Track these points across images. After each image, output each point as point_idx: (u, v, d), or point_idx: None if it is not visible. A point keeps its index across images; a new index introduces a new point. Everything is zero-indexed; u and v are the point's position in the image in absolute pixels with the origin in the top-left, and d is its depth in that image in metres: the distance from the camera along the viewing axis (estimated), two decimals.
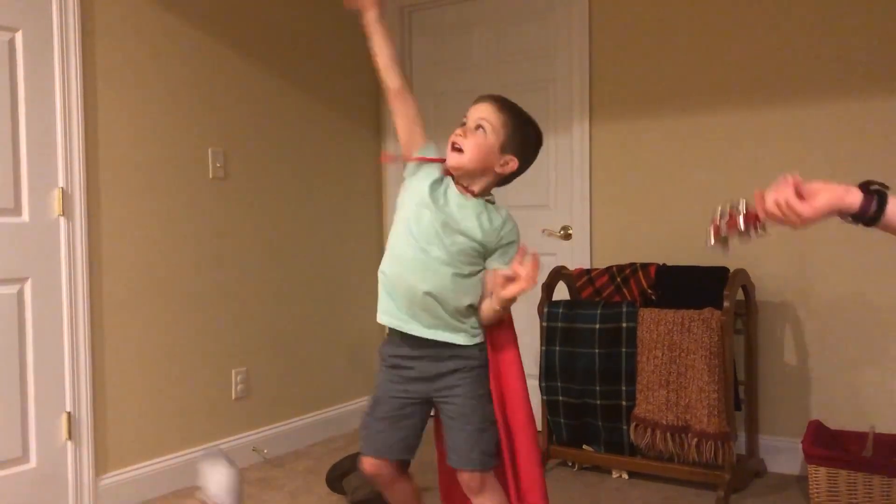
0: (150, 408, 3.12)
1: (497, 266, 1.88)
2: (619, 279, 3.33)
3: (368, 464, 2.04)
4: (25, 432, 2.75)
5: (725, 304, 2.93)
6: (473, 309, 1.93)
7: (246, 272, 3.51)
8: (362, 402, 4.15)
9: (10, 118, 2.69)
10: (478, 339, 1.95)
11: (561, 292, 3.40)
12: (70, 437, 2.85)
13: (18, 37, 2.70)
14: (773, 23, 3.22)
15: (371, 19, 1.98)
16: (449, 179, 1.94)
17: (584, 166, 3.68)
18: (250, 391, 3.54)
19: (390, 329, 2.01)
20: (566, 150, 3.75)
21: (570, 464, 3.35)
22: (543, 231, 3.82)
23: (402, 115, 2.00)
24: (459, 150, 1.87)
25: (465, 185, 1.92)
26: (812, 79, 3.15)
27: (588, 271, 3.44)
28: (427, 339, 1.92)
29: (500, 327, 1.98)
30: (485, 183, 1.93)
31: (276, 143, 3.66)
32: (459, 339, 1.92)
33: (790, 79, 3.19)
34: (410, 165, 2.00)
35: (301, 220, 3.80)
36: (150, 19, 3.11)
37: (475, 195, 1.93)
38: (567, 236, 3.77)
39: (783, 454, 3.22)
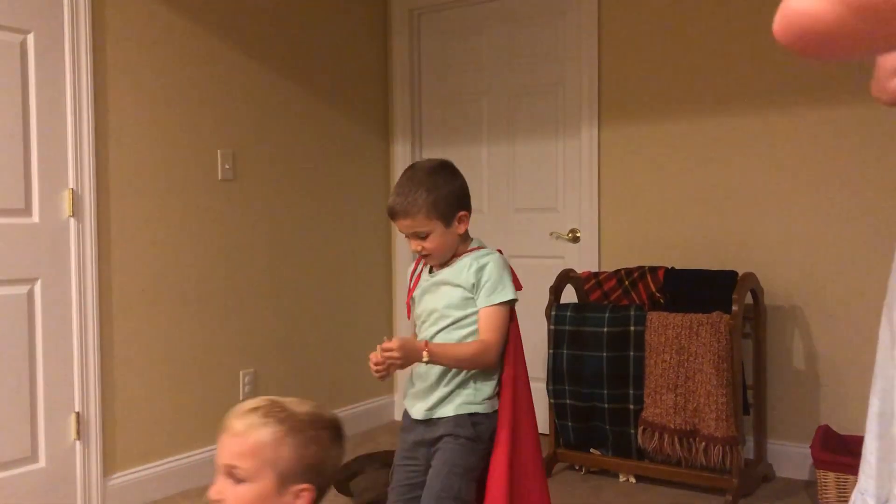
0: (159, 408, 3.13)
1: (481, 304, 1.91)
2: (627, 282, 3.32)
3: None
4: (34, 432, 2.76)
5: (734, 307, 2.92)
6: (471, 375, 1.92)
7: (254, 273, 3.52)
8: (370, 404, 4.15)
9: (22, 119, 2.71)
10: (471, 410, 1.91)
11: (569, 295, 3.40)
12: (79, 437, 2.86)
13: (30, 39, 2.72)
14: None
15: None
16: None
17: (592, 169, 3.68)
18: (258, 393, 3.55)
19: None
20: (574, 153, 3.75)
21: (577, 467, 3.34)
22: (551, 234, 3.81)
23: None
24: (429, 256, 1.94)
25: (448, 262, 1.98)
26: (823, 83, 3.14)
27: (596, 274, 3.43)
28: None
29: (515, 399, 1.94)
30: (462, 246, 1.98)
31: (284, 146, 3.67)
32: (448, 409, 1.93)
33: (800, 82, 3.18)
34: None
35: (309, 221, 3.81)
36: (160, 22, 3.12)
37: (458, 257, 1.98)
38: (575, 239, 3.76)
39: (792, 459, 3.20)
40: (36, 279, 2.75)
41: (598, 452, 3.25)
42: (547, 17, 3.84)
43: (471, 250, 1.97)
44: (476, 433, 1.89)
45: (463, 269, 1.93)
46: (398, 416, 4.29)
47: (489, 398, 1.93)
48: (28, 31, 2.71)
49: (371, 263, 4.17)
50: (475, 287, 1.90)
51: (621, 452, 3.18)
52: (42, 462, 2.78)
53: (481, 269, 1.90)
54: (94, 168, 2.88)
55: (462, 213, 1.92)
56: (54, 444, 2.80)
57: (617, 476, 3.24)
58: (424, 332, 1.98)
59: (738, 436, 2.91)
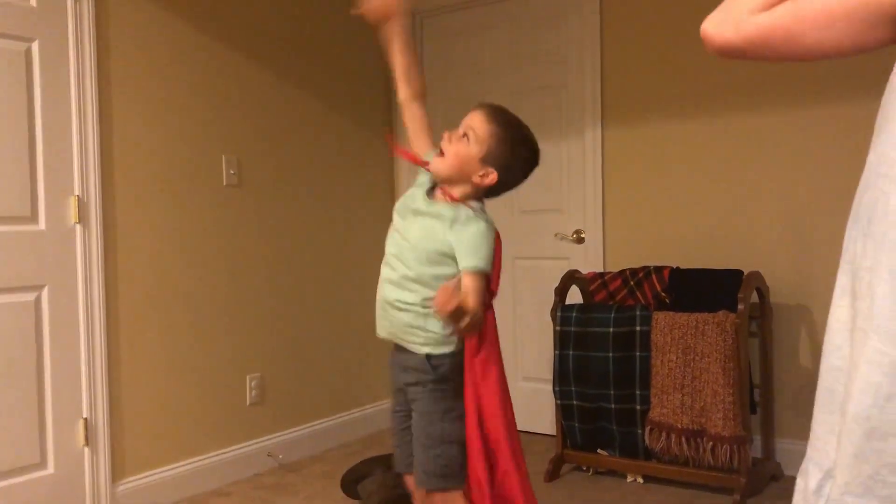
0: (166, 413, 3.14)
1: (464, 263, 1.84)
2: (632, 282, 3.32)
3: (407, 481, 2.06)
4: (43, 438, 2.77)
5: (739, 306, 2.92)
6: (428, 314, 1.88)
7: (259, 278, 3.53)
8: (377, 407, 4.15)
9: (27, 127, 2.72)
10: (435, 350, 1.90)
11: (574, 296, 3.40)
12: (87, 443, 2.87)
13: (35, 47, 2.73)
14: None
15: (391, 31, 1.96)
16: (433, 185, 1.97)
17: (596, 170, 3.68)
18: (265, 396, 3.56)
19: None
20: (578, 154, 3.75)
21: (584, 468, 3.34)
22: (556, 235, 3.81)
23: (409, 125, 2.05)
24: (441, 155, 1.88)
25: (446, 189, 1.92)
26: (826, 81, 3.14)
27: (601, 275, 3.43)
28: (396, 345, 1.98)
29: (479, 341, 1.90)
30: (463, 190, 1.90)
31: (289, 150, 3.68)
32: (413, 345, 1.91)
33: (803, 81, 3.18)
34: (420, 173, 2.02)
35: (314, 225, 3.81)
36: (164, 28, 3.13)
37: (454, 200, 1.91)
38: (580, 240, 3.76)
39: (800, 457, 3.18)
40: (43, 286, 2.76)
41: (605, 453, 3.25)
42: (549, 20, 3.84)
43: (470, 206, 1.90)
44: (439, 374, 1.89)
45: (447, 215, 1.87)
46: None
47: (448, 336, 1.89)
48: (33, 40, 2.73)
49: (376, 267, 4.16)
50: (457, 239, 1.84)
51: (629, 453, 3.18)
52: (51, 468, 2.79)
53: (463, 226, 1.85)
54: (99, 174, 2.89)
55: (494, 172, 1.86)
56: (63, 450, 2.81)
57: (624, 476, 3.24)
58: (389, 268, 1.97)
59: (746, 435, 2.90)
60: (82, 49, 2.84)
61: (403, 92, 2.02)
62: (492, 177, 1.87)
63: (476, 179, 1.87)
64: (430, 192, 1.96)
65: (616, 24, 3.59)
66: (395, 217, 2.00)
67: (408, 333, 1.92)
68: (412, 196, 1.98)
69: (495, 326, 1.95)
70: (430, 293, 1.81)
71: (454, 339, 1.89)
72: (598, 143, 3.67)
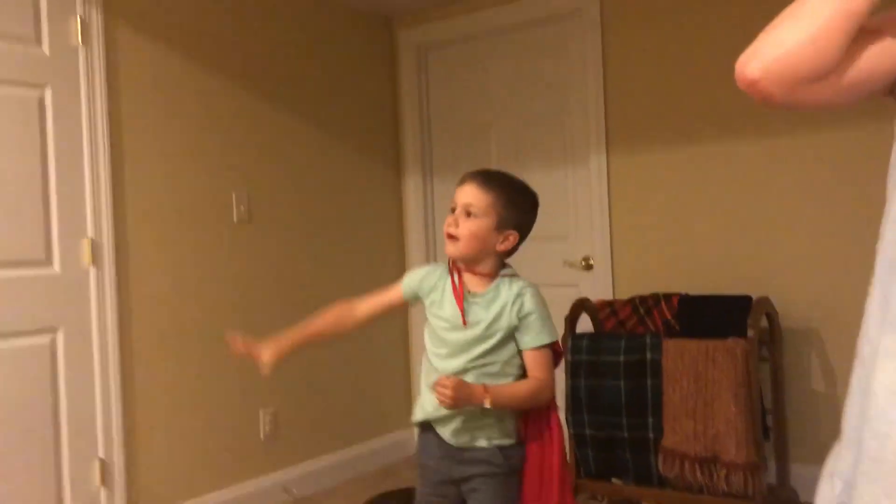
0: (181, 451, 3.16)
1: (527, 342, 1.83)
2: (642, 310, 3.33)
3: None
4: (59, 479, 2.80)
5: (749, 332, 2.92)
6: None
7: (271, 312, 3.56)
8: (390, 439, 4.16)
9: (41, 171, 2.77)
10: (503, 442, 1.87)
11: (584, 324, 3.41)
12: (103, 482, 2.89)
13: (47, 93, 2.79)
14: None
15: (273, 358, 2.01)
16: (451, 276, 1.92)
17: (602, 196, 3.70)
18: (278, 430, 3.57)
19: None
20: (584, 181, 3.78)
21: (599, 497, 3.33)
22: (564, 262, 3.83)
23: (371, 311, 2.19)
24: (455, 239, 1.85)
25: (473, 269, 1.89)
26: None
27: (611, 303, 3.44)
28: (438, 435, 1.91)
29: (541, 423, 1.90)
30: (489, 263, 1.88)
31: (298, 185, 3.72)
32: (481, 439, 1.87)
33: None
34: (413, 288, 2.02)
35: (324, 258, 3.85)
36: (173, 69, 3.19)
37: (488, 276, 1.89)
38: (588, 267, 3.78)
39: (815, 482, 3.17)
40: (57, 329, 2.80)
41: (619, 482, 3.24)
42: (551, 49, 3.89)
43: (505, 275, 1.89)
44: (510, 467, 1.87)
45: (498, 305, 1.85)
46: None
47: (516, 428, 1.90)
48: (45, 86, 2.79)
49: None
50: (521, 321, 1.83)
51: (643, 481, 3.17)
52: None
53: (520, 297, 1.83)
54: (111, 216, 2.93)
55: (513, 233, 1.86)
56: (79, 490, 2.83)
57: None
58: (445, 363, 1.87)
59: (760, 461, 2.89)
60: (93, 94, 2.89)
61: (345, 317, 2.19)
62: (512, 238, 1.87)
63: (500, 248, 1.87)
64: (454, 280, 1.91)
65: (618, 51, 3.63)
66: (437, 323, 1.92)
67: (478, 428, 1.87)
68: (442, 300, 1.92)
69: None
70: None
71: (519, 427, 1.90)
72: (604, 169, 3.69)
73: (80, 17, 2.87)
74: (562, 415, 3.21)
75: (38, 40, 2.78)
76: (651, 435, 3.09)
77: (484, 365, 1.84)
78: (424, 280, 1.97)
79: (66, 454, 2.81)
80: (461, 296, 1.88)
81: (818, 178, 3.19)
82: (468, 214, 1.83)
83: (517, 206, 1.87)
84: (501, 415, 1.86)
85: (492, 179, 1.87)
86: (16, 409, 2.68)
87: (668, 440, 3.04)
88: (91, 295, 2.88)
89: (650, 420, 3.09)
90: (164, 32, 3.16)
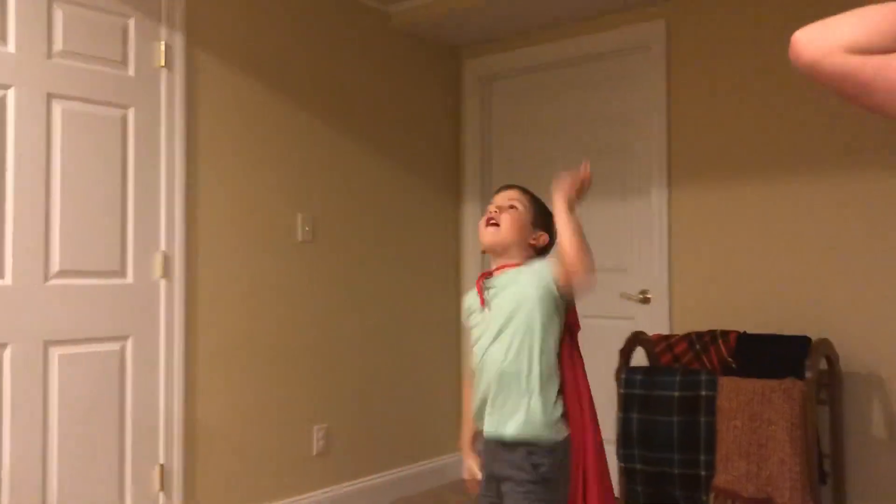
0: (237, 461, 3.25)
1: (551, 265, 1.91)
2: (698, 346, 3.31)
3: None
4: (122, 482, 2.90)
5: (807, 374, 2.88)
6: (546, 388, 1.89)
7: (330, 331, 3.65)
8: (437, 463, 4.19)
9: (120, 187, 2.92)
10: (552, 436, 1.87)
11: (639, 357, 3.40)
12: (162, 488, 2.99)
13: (130, 113, 2.94)
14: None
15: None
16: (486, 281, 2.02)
17: (662, 231, 3.70)
18: (330, 447, 3.64)
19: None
20: (645, 214, 3.78)
21: None
22: (622, 294, 3.83)
23: None
24: (496, 225, 1.97)
25: (505, 262, 1.99)
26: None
27: (667, 337, 3.43)
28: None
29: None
30: (521, 256, 1.99)
31: (361, 209, 3.82)
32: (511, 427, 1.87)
33: (875, 143, 3.16)
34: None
35: (382, 282, 3.93)
36: (247, 93, 3.33)
37: (515, 266, 1.98)
38: (646, 300, 3.77)
39: None
40: (128, 337, 2.93)
41: None
42: (616, 82, 3.92)
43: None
44: (539, 476, 1.84)
45: (519, 274, 1.93)
46: (467, 475, 4.31)
47: (555, 422, 1.88)
48: (129, 107, 2.94)
49: (441, 323, 4.26)
50: (541, 278, 1.89)
51: None
52: None
53: (532, 268, 1.93)
54: (184, 232, 3.06)
55: (544, 234, 2.01)
56: (139, 493, 2.94)
57: None
58: (490, 351, 1.92)
59: None
60: (173, 115, 3.04)
61: None
62: (543, 238, 2.02)
63: (532, 241, 2.00)
64: (485, 277, 2.02)
65: (684, 86, 3.65)
66: (474, 322, 2.03)
67: (507, 414, 1.89)
68: (473, 305, 2.03)
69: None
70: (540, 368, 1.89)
71: (559, 425, 1.90)
72: (665, 203, 3.69)
73: (165, 42, 3.02)
74: (611, 448, 3.22)
75: (125, 63, 2.94)
76: (703, 472, 3.06)
77: (522, 332, 1.89)
78: (468, 307, 2.07)
79: (129, 457, 2.92)
80: (480, 286, 2.00)
81: (884, 221, 3.14)
82: (511, 207, 1.99)
83: (546, 215, 2.02)
84: (532, 401, 1.87)
85: (525, 190, 2.07)
86: (85, 411, 2.81)
87: (721, 479, 3.01)
88: (161, 306, 3.01)
89: (702, 457, 3.06)
90: (241, 58, 3.30)
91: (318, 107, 3.63)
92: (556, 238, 1.96)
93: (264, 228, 3.38)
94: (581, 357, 2.02)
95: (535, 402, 1.86)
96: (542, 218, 2.02)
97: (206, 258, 3.16)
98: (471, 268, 4.35)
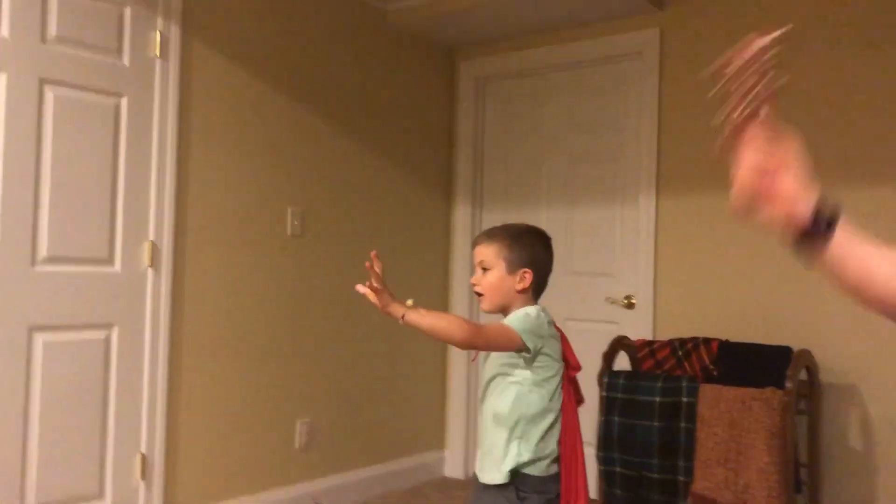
0: (219, 453, 3.26)
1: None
2: (680, 353, 3.34)
3: None
4: (102, 470, 2.91)
5: (787, 384, 2.91)
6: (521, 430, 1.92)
7: (316, 326, 3.65)
8: (420, 459, 4.21)
9: (111, 175, 2.92)
10: (539, 473, 1.91)
11: (621, 362, 3.43)
12: (143, 476, 2.99)
13: (123, 102, 2.94)
14: (845, 97, 3.24)
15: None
16: None
17: (649, 237, 3.73)
18: (313, 442, 3.65)
19: None
20: (632, 221, 3.81)
21: None
22: (607, 299, 3.86)
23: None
24: (481, 295, 2.02)
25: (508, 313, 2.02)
26: (886, 157, 3.15)
27: (650, 343, 3.45)
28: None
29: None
30: (517, 305, 1.99)
31: (351, 204, 3.83)
32: (492, 475, 1.93)
33: (863, 156, 3.20)
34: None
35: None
36: (241, 86, 3.33)
37: None
38: (630, 305, 3.80)
39: None
40: (113, 325, 2.93)
41: None
42: (608, 89, 3.95)
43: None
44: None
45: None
46: (448, 473, 4.34)
47: (530, 462, 1.91)
48: (122, 95, 2.94)
49: None
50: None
51: None
52: (108, 499, 2.91)
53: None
54: (173, 222, 3.06)
55: (527, 270, 1.97)
56: (120, 482, 2.94)
57: None
58: (481, 388, 2.02)
59: None
60: (166, 105, 3.04)
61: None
62: (528, 276, 1.98)
63: (518, 287, 1.98)
64: None
65: (675, 94, 3.67)
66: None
67: (491, 462, 1.94)
68: None
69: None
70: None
71: (545, 463, 1.93)
72: (652, 211, 3.72)
73: (160, 32, 3.02)
74: (591, 450, 3.24)
75: (119, 51, 2.94)
76: (681, 478, 3.09)
77: (501, 384, 1.95)
78: None
79: (110, 446, 2.92)
80: None
81: (867, 232, 3.17)
82: (483, 270, 2.01)
83: (520, 245, 2.00)
84: (509, 454, 1.91)
85: (493, 232, 2.04)
86: (68, 398, 2.81)
87: (699, 485, 3.04)
88: (147, 295, 3.01)
89: (681, 463, 3.09)
90: (235, 51, 3.30)
91: (312, 101, 3.63)
92: (541, 263, 2.01)
93: (254, 221, 3.39)
94: (575, 395, 2.04)
95: (514, 447, 1.91)
96: (517, 256, 1.98)
97: (195, 249, 3.16)
98: (460, 268, 4.37)
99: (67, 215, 2.80)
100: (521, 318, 1.92)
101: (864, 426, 3.17)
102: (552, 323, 1.98)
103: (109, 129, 2.91)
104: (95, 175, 2.87)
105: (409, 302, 1.87)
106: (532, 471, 1.91)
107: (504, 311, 2.01)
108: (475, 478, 2.04)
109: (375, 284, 1.87)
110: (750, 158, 1.09)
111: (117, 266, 2.94)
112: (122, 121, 2.94)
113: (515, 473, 1.90)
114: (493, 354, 1.98)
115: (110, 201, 2.92)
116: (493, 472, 1.92)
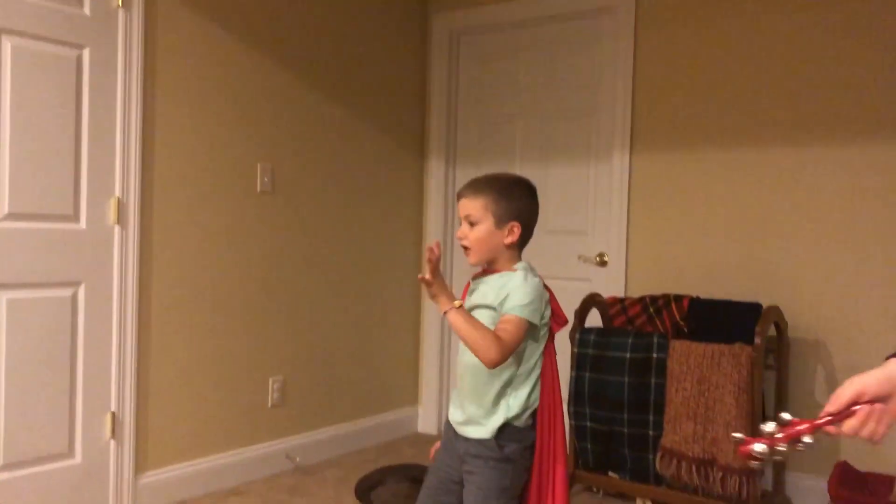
0: (190, 411, 3.24)
1: (506, 308, 1.89)
2: (651, 309, 3.36)
3: None
4: (72, 429, 2.88)
5: (756, 340, 2.94)
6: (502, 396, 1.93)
7: (288, 283, 3.63)
8: (394, 416, 4.23)
9: (74, 130, 2.84)
10: (497, 429, 1.91)
11: (593, 319, 3.45)
12: (113, 435, 2.97)
13: (85, 54, 2.85)
14: (816, 59, 3.24)
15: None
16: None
17: (622, 195, 3.72)
18: (286, 399, 3.65)
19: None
20: (605, 178, 3.80)
21: (594, 490, 3.38)
22: (580, 257, 3.86)
23: None
24: (468, 249, 1.97)
25: (493, 268, 1.99)
26: (857, 119, 3.16)
27: (622, 300, 3.47)
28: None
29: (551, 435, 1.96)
30: (504, 259, 1.97)
31: (322, 160, 3.78)
32: (478, 430, 1.94)
33: (834, 117, 3.21)
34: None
35: (343, 234, 3.90)
36: (208, 39, 3.24)
37: (500, 271, 1.98)
38: (603, 263, 3.81)
39: (810, 493, 3.21)
40: (80, 283, 2.88)
41: (616, 476, 3.29)
42: (583, 44, 3.90)
43: (515, 269, 1.96)
44: (504, 455, 1.91)
45: (493, 287, 1.94)
46: (422, 428, 4.37)
47: (517, 416, 1.92)
48: (84, 47, 2.85)
49: (401, 278, 4.26)
50: (501, 304, 1.90)
51: (639, 477, 3.21)
52: (78, 458, 2.90)
53: (505, 286, 1.91)
54: (139, 178, 3.00)
55: (515, 224, 1.94)
56: (90, 441, 2.92)
57: (634, 500, 3.28)
58: (462, 354, 1.99)
59: (756, 467, 2.93)
60: (130, 57, 2.95)
61: None
62: (516, 228, 1.94)
63: (507, 241, 1.94)
64: (477, 277, 2.05)
65: (650, 50, 3.64)
66: None
67: (476, 423, 1.94)
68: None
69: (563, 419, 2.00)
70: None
71: (526, 416, 1.93)
72: (626, 168, 3.71)
73: None
74: (565, 406, 3.27)
75: (80, 1, 2.84)
76: (651, 433, 3.13)
77: None
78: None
79: (79, 405, 2.89)
80: (466, 287, 2.03)
81: (839, 193, 3.20)
82: (471, 224, 1.95)
83: (509, 197, 1.95)
84: (502, 403, 1.92)
85: (478, 183, 1.98)
86: (35, 357, 2.77)
87: (668, 439, 3.08)
88: (114, 253, 2.96)
89: (651, 418, 3.13)
90: (202, 2, 3.21)
91: (282, 55, 3.55)
92: (528, 216, 1.98)
93: (222, 178, 3.33)
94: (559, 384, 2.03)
95: (501, 405, 1.91)
96: (505, 210, 1.94)
97: (162, 206, 3.11)
98: (434, 224, 4.35)
99: (29, 171, 2.72)
100: (521, 299, 1.87)
101: (829, 379, 3.22)
102: (541, 281, 1.96)
103: (71, 81, 2.82)
104: (58, 129, 2.80)
105: (457, 303, 1.85)
106: (516, 422, 1.92)
107: (490, 263, 1.98)
108: (447, 426, 2.04)
109: (429, 276, 1.82)
110: None
111: (83, 223, 2.88)
112: (84, 73, 2.85)
113: (501, 426, 1.91)
114: (482, 311, 1.94)
115: (74, 157, 2.85)
116: (480, 427, 1.92)
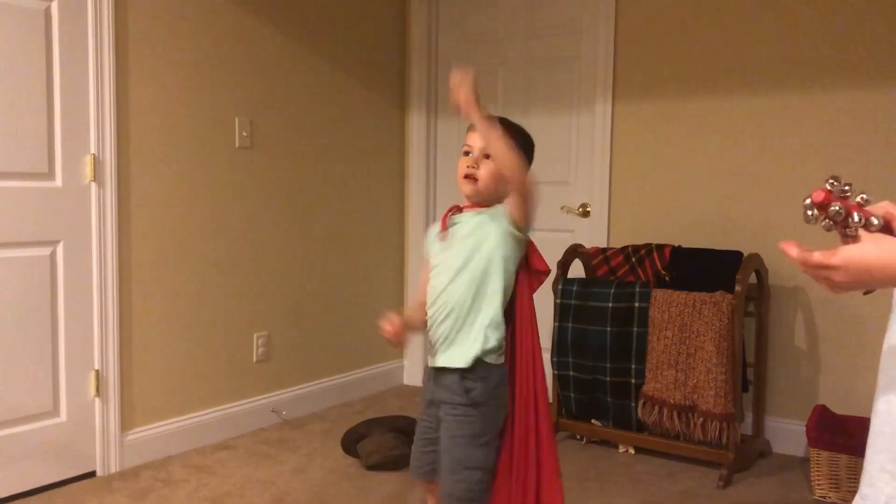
0: (175, 368, 3.24)
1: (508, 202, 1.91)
2: (634, 259, 3.38)
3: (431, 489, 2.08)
4: (56, 387, 2.87)
5: (737, 287, 2.97)
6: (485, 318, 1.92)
7: (270, 238, 3.60)
8: (379, 369, 4.26)
9: (45, 85, 2.77)
10: (462, 364, 1.90)
11: (576, 270, 3.46)
12: (98, 393, 2.97)
13: (54, 6, 2.77)
14: (800, 7, 3.21)
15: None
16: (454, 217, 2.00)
17: (605, 145, 3.71)
18: (271, 354, 3.65)
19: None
20: (588, 128, 3.78)
21: (578, 437, 3.44)
22: (562, 208, 3.86)
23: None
24: (474, 179, 1.93)
25: (477, 203, 1.97)
26: (841, 67, 3.15)
27: (604, 250, 3.48)
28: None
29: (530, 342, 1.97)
30: (495, 201, 1.96)
31: (301, 114, 3.72)
32: (455, 359, 1.91)
33: (817, 64, 3.19)
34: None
35: (325, 188, 3.87)
36: None
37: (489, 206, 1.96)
38: (586, 214, 3.81)
39: (789, 436, 3.28)
40: (58, 241, 2.84)
41: (598, 423, 3.34)
42: None
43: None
44: (470, 399, 1.89)
45: (488, 213, 1.92)
46: (407, 381, 4.41)
47: (493, 350, 1.91)
48: None
49: (384, 231, 4.25)
50: (498, 216, 1.90)
51: (621, 424, 3.26)
52: (63, 416, 2.90)
53: (498, 208, 1.92)
54: (115, 134, 2.95)
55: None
56: (75, 399, 2.92)
57: (616, 447, 3.33)
58: (442, 278, 1.95)
59: (736, 412, 2.98)
60: (100, 9, 2.87)
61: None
62: None
63: (509, 187, 1.91)
64: (454, 211, 2.01)
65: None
66: (431, 252, 2.03)
67: (449, 345, 1.93)
68: (433, 240, 2.02)
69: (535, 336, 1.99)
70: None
71: (495, 355, 1.92)
72: (609, 117, 3.69)
73: None
74: (547, 356, 3.30)
75: None
76: (633, 381, 3.18)
77: (480, 275, 1.90)
78: (431, 238, 2.05)
79: (63, 364, 2.88)
80: (445, 217, 1.99)
81: (819, 140, 3.20)
82: (486, 157, 1.91)
83: (525, 150, 1.93)
84: (471, 338, 1.90)
85: (503, 124, 1.93)
86: (16, 318, 2.74)
87: (649, 387, 3.13)
88: (92, 210, 2.92)
89: (633, 366, 3.17)
90: None
91: (258, 7, 3.47)
92: (530, 166, 1.95)
93: (200, 132, 3.28)
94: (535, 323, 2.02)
95: (479, 336, 1.90)
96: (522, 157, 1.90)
97: (139, 162, 3.06)
98: (416, 177, 4.32)
99: (1, 129, 2.66)
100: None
101: (808, 327, 3.27)
102: None
103: (40, 34, 2.74)
104: (29, 84, 2.73)
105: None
106: (488, 358, 1.91)
107: (483, 200, 1.95)
108: (426, 376, 2.03)
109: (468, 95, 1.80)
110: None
111: (59, 181, 2.84)
112: (53, 25, 2.77)
113: (476, 358, 1.89)
114: (472, 233, 1.93)
115: (47, 113, 2.78)
116: (458, 355, 1.90)
